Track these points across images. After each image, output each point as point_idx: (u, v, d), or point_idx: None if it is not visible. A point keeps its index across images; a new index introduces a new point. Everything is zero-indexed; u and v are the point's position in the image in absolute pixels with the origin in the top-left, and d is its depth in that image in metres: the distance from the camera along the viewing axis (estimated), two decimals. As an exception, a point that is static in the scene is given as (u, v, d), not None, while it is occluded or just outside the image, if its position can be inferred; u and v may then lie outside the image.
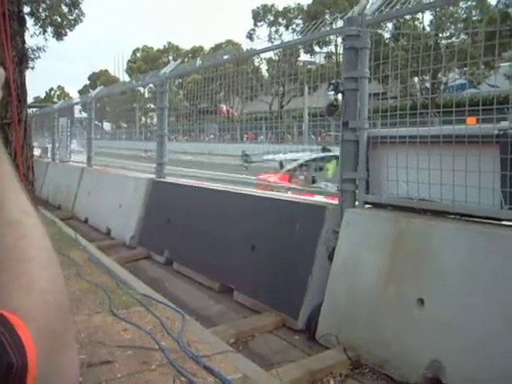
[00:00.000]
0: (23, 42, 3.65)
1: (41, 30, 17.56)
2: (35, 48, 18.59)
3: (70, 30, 18.02)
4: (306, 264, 4.42)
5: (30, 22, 16.48)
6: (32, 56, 18.00)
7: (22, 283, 0.53)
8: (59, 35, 17.97)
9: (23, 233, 0.57)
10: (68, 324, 0.58)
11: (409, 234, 3.72)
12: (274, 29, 44.32)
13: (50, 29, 17.70)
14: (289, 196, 5.37)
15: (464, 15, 26.71)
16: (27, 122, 3.73)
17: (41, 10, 17.06)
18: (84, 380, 3.03)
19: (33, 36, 17.59)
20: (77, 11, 17.40)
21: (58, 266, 0.59)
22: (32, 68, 19.28)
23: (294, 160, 7.57)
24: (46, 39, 18.09)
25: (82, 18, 17.75)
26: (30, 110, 14.60)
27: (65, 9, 17.44)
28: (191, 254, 6.18)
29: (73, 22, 17.64)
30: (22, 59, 3.59)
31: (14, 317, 0.49)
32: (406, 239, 3.72)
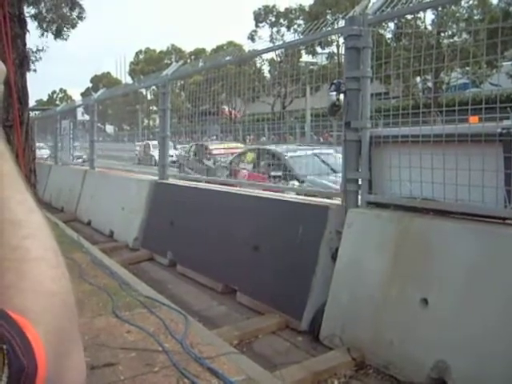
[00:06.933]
0: (24, 44, 3.65)
1: (42, 31, 17.57)
2: (36, 50, 18.61)
3: (73, 28, 18.00)
4: (310, 265, 4.41)
5: (32, 24, 16.46)
6: (33, 58, 17.99)
7: (28, 284, 0.53)
8: (60, 35, 17.97)
9: (28, 232, 0.56)
10: (74, 325, 0.58)
11: (412, 234, 3.70)
12: (275, 30, 44.31)
13: (52, 29, 17.70)
14: (292, 196, 5.35)
15: (466, 14, 26.69)
16: (29, 124, 3.73)
17: (44, 12, 17.05)
18: (88, 382, 3.02)
19: (40, 37, 17.59)
20: (77, 10, 17.37)
21: (63, 266, 0.59)
22: (34, 70, 19.28)
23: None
24: (47, 36, 18.05)
25: (83, 16, 17.73)
26: (32, 113, 14.71)
27: (65, 10, 17.42)
28: (194, 256, 6.18)
29: (74, 21, 17.62)
30: (23, 62, 3.59)
31: (23, 319, 0.49)
32: (409, 239, 3.70)
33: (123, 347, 3.53)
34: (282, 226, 4.93)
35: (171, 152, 8.90)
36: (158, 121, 8.96)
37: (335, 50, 35.31)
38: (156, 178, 7.93)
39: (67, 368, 0.54)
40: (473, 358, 3.07)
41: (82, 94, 62.08)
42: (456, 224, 3.52)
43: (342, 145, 4.48)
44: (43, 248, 0.57)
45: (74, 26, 17.93)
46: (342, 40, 4.60)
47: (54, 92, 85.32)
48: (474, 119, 3.92)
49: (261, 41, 33.86)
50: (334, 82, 4.46)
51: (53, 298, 0.54)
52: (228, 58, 7.03)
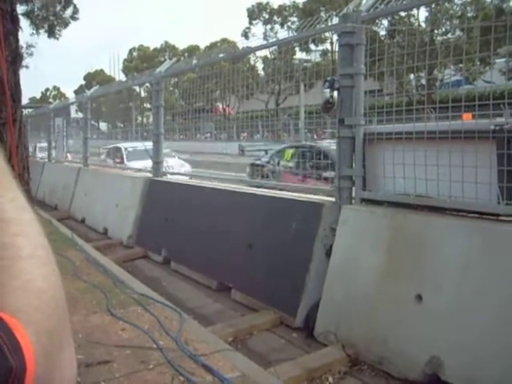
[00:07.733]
0: (17, 41, 3.63)
1: (35, 29, 17.46)
2: (27, 46, 18.53)
3: (64, 28, 17.91)
4: (304, 261, 4.41)
5: (25, 22, 16.38)
6: (25, 55, 17.93)
7: (19, 282, 0.53)
8: (53, 33, 17.87)
9: (19, 230, 0.56)
10: (65, 323, 0.57)
11: (406, 231, 3.71)
12: (269, 27, 44.28)
13: (44, 26, 17.59)
14: (286, 193, 5.35)
15: (459, 11, 26.75)
16: (22, 122, 3.71)
17: (36, 10, 16.96)
18: (82, 380, 3.02)
19: (32, 35, 17.49)
20: (71, 8, 17.28)
21: (54, 264, 0.58)
22: (26, 67, 19.16)
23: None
24: (39, 33, 17.91)
25: (76, 16, 17.64)
26: (25, 111, 14.62)
27: (58, 7, 17.32)
28: (188, 253, 6.17)
29: (67, 20, 17.53)
30: (15, 59, 3.57)
31: (12, 319, 0.48)
32: (403, 235, 3.71)
33: (118, 345, 3.52)
34: (276, 223, 4.93)
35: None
36: (151, 118, 8.93)
37: (329, 47, 35.35)
38: (150, 175, 7.92)
39: (58, 366, 0.54)
40: (467, 353, 3.08)
41: (76, 92, 61.74)
42: (450, 220, 3.54)
43: (336, 142, 4.49)
44: (34, 245, 0.57)
45: (66, 25, 17.84)
46: (335, 37, 4.61)
47: (47, 89, 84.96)
48: (467, 117, 3.93)
49: (254, 38, 33.82)
50: (328, 79, 4.46)
51: (43, 296, 0.54)
52: (222, 56, 7.02)
